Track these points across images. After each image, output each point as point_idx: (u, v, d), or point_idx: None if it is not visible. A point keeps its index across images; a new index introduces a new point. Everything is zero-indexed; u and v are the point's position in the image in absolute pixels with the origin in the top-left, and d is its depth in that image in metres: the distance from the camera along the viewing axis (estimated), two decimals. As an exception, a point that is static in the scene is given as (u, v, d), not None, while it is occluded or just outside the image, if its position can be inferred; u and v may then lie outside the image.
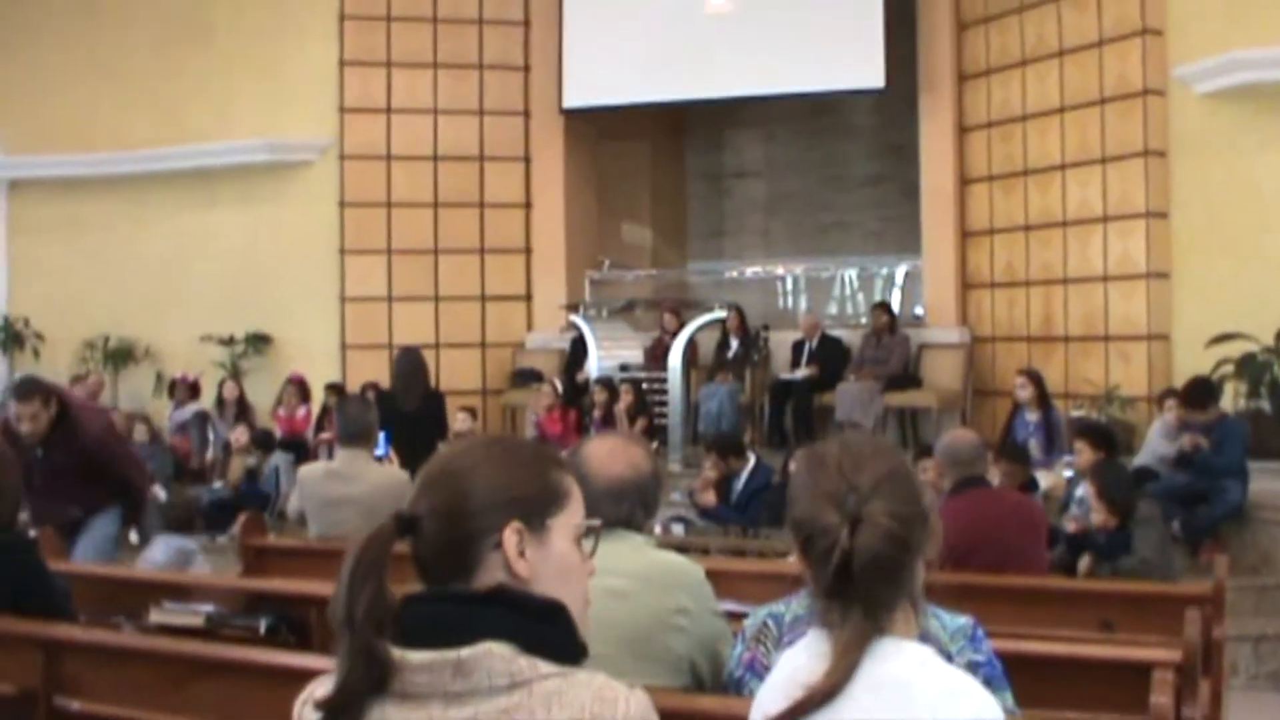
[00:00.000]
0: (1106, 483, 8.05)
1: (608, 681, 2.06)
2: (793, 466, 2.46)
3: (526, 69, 16.56)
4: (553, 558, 2.16)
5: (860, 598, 2.22)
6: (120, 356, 16.55)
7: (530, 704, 1.99)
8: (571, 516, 2.22)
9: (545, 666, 2.02)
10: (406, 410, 10.73)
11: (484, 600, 2.08)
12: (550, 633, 2.08)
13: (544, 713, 1.99)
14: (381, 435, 8.15)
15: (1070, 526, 8.43)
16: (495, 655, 2.01)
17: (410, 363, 11.38)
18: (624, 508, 3.72)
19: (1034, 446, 11.20)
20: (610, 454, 3.79)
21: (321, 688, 2.10)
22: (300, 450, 13.15)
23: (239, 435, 12.96)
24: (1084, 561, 8.07)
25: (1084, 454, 9.35)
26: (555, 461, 2.27)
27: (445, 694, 2.01)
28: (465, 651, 2.00)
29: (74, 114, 16.48)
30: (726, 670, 3.66)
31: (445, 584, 2.12)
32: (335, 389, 14.16)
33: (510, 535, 2.11)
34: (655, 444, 13.04)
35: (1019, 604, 5.62)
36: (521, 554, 2.12)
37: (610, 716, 2.01)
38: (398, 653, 2.03)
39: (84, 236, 16.63)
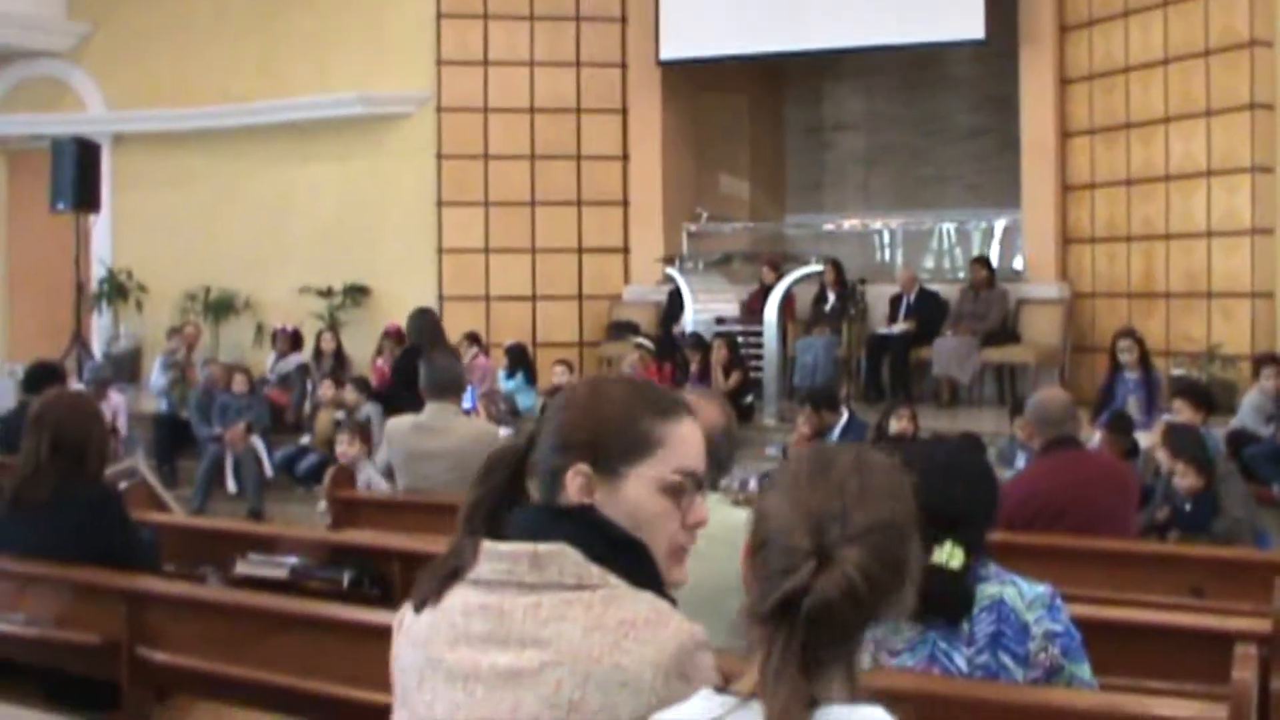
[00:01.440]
0: (1182, 443, 7.92)
1: (669, 607, 2.16)
2: (793, 456, 1.96)
3: (624, 20, 16.49)
4: (624, 503, 2.22)
5: (797, 645, 1.82)
6: (221, 308, 16.75)
7: (590, 599, 2.12)
8: (658, 466, 2.24)
9: (615, 579, 2.14)
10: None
11: (570, 514, 2.21)
12: (624, 562, 2.17)
13: (600, 608, 2.11)
14: (469, 390, 8.20)
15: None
16: (570, 556, 2.14)
17: (429, 320, 12.20)
18: None
19: (1133, 405, 11.05)
20: None
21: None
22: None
23: (326, 389, 13.00)
24: (1162, 512, 7.95)
25: (1183, 413, 9.24)
26: (655, 408, 2.28)
27: (519, 584, 2.15)
28: (543, 546, 2.15)
29: (174, 69, 16.66)
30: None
31: (542, 497, 2.28)
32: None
33: (573, 476, 2.23)
34: (750, 398, 13.00)
35: (1107, 567, 5.56)
36: (588, 494, 2.22)
37: (663, 624, 2.11)
38: (487, 543, 2.20)
39: (185, 190, 16.82)
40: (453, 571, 2.22)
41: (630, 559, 2.18)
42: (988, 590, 3.39)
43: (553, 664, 2.09)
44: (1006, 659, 3.41)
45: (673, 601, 2.19)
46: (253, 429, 12.74)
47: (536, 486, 2.31)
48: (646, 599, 2.14)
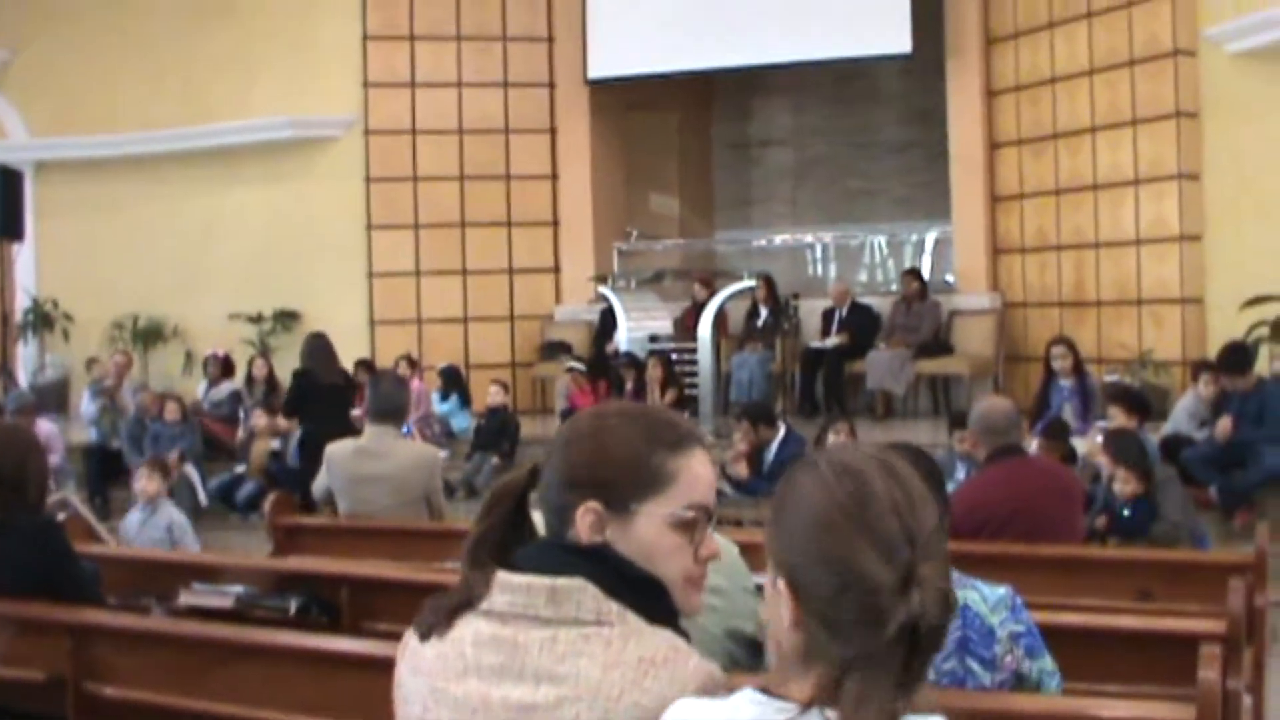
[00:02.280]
0: (1123, 450, 7.96)
1: (688, 646, 2.12)
2: (816, 481, 1.87)
3: (550, 40, 16.47)
4: (636, 540, 2.19)
5: (894, 667, 1.76)
6: (149, 336, 16.58)
7: (609, 636, 2.08)
8: (670, 503, 2.20)
9: (633, 616, 2.11)
10: (327, 384, 11.77)
11: (589, 552, 2.17)
12: (641, 599, 2.14)
13: (619, 644, 2.07)
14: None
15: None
16: (589, 592, 2.11)
17: (323, 343, 12.18)
18: None
19: (1069, 412, 11.12)
20: None
21: None
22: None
23: (259, 418, 12.89)
24: (1101, 520, 7.98)
25: (1117, 419, 9.30)
26: (665, 443, 2.22)
27: (535, 617, 2.12)
28: (562, 581, 2.12)
29: (98, 95, 16.49)
30: (764, 646, 3.63)
31: (553, 534, 2.24)
32: (365, 365, 14.11)
33: (583, 514, 2.19)
34: (686, 414, 12.97)
35: (1055, 573, 5.57)
36: (599, 531, 2.19)
37: (682, 663, 2.06)
38: (502, 574, 2.17)
39: (110, 217, 16.64)
40: (464, 601, 2.19)
41: (648, 596, 2.16)
42: (950, 596, 3.37)
43: (570, 700, 2.06)
44: (974, 664, 3.41)
45: (688, 637, 2.17)
46: (185, 457, 12.59)
47: (543, 520, 2.28)
48: (665, 636, 2.11)
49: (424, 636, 2.22)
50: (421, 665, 2.21)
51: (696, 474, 2.23)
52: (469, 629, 2.17)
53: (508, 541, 2.24)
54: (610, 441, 2.22)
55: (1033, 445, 9.06)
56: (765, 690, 1.88)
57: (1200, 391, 10.66)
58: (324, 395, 11.81)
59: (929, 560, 1.80)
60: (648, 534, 2.19)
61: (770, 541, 1.96)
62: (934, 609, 1.77)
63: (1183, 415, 10.70)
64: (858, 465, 1.90)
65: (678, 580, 2.21)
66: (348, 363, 14.15)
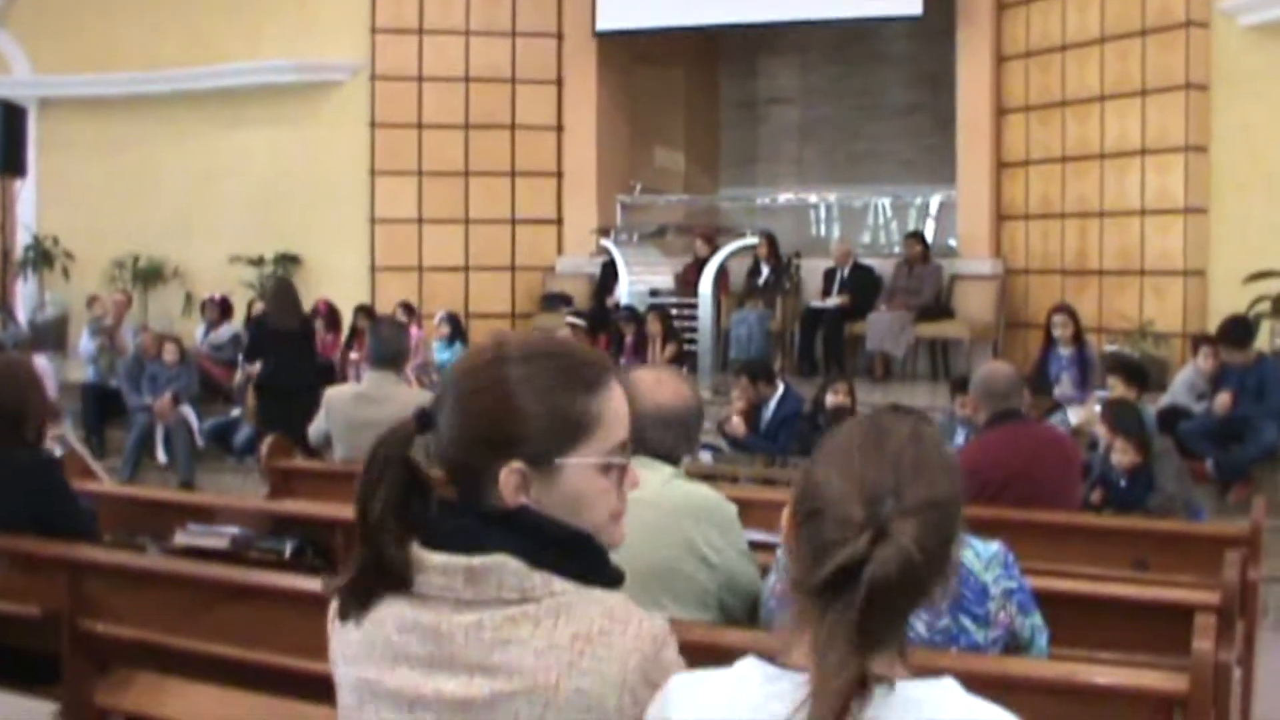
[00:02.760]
0: (1122, 420, 7.97)
1: (625, 602, 2.02)
2: (847, 425, 1.95)
3: (560, -10, 16.41)
4: (564, 493, 2.06)
5: (850, 621, 1.73)
6: (149, 276, 16.56)
7: (537, 614, 1.96)
8: (595, 447, 2.08)
9: (560, 584, 1.99)
10: (284, 329, 12.01)
11: (507, 519, 2.03)
12: (570, 560, 2.02)
13: (549, 622, 1.96)
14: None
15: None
16: (509, 568, 1.98)
17: (285, 287, 12.60)
18: (669, 436, 3.72)
19: (1067, 381, 11.13)
20: (658, 382, 3.81)
21: None
22: (329, 375, 13.07)
23: (254, 368, 12.89)
24: (1096, 494, 8.00)
25: (1117, 389, 9.30)
26: (583, 384, 2.09)
27: (456, 600, 1.99)
28: (478, 560, 1.98)
29: (103, 33, 16.41)
30: (760, 602, 3.64)
31: (465, 494, 2.08)
32: (365, 311, 14.10)
33: (507, 475, 2.03)
34: (684, 369, 12.97)
35: (1051, 540, 5.57)
36: (524, 492, 2.04)
37: (619, 633, 1.96)
38: (417, 552, 2.02)
39: (113, 156, 16.58)
40: (380, 582, 2.04)
41: (576, 556, 2.04)
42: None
43: (506, 695, 1.95)
44: (967, 621, 3.42)
45: (621, 579, 2.08)
46: (181, 399, 12.60)
47: (444, 477, 2.11)
48: (598, 603, 1.99)
49: (344, 618, 2.09)
50: (349, 652, 2.08)
51: (617, 411, 2.11)
52: (390, 612, 2.03)
53: (407, 502, 2.05)
54: (522, 392, 2.05)
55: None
56: (764, 657, 1.85)
57: (1199, 365, 10.64)
58: (279, 340, 12.02)
59: (910, 521, 1.78)
60: (576, 485, 2.06)
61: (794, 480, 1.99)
62: (890, 566, 1.74)
63: (1181, 387, 10.68)
64: (888, 421, 1.93)
65: (605, 522, 2.11)
66: (346, 308, 14.21)
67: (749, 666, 1.86)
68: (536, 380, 2.06)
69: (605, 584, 2.05)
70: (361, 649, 2.05)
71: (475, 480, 2.05)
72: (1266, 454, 9.89)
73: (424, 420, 2.08)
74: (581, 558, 2.05)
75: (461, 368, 2.13)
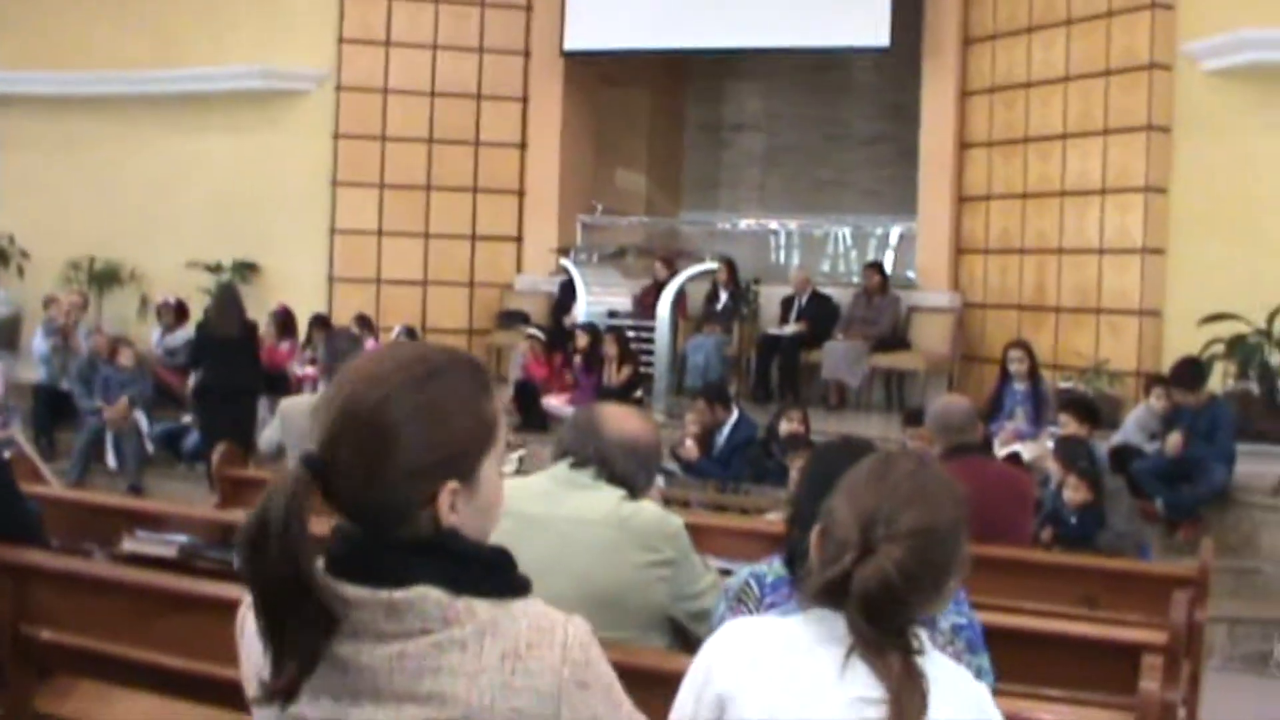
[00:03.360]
0: (1075, 458, 8.01)
1: (544, 610, 1.98)
2: (865, 461, 2.35)
3: (529, 8, 16.41)
4: (480, 500, 2.01)
5: (872, 622, 2.11)
6: (105, 278, 16.42)
7: (462, 638, 1.90)
8: (497, 445, 2.05)
9: (480, 606, 1.93)
10: (224, 336, 11.96)
11: (423, 550, 1.95)
12: (490, 580, 1.97)
13: (476, 645, 1.91)
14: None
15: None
16: (430, 599, 1.91)
17: (228, 293, 12.62)
18: (632, 464, 3.75)
19: (1021, 416, 11.18)
20: (626, 414, 3.94)
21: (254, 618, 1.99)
22: (281, 383, 13.02)
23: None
24: (1046, 532, 8.03)
25: (1069, 426, 9.34)
26: (485, 387, 2.06)
27: (377, 632, 1.90)
28: (399, 594, 1.90)
29: (69, 32, 16.30)
30: (709, 625, 3.63)
31: (371, 526, 1.96)
32: (320, 321, 14.04)
33: (445, 497, 1.96)
34: (639, 393, 12.96)
35: (1001, 575, 5.57)
36: (454, 509, 1.97)
37: (547, 644, 1.94)
38: (330, 582, 1.91)
39: (74, 156, 16.45)
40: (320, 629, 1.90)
41: (494, 573, 1.99)
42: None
43: None
44: (913, 655, 3.41)
45: (529, 586, 2.01)
46: (135, 403, 12.53)
47: (352, 505, 1.97)
48: (519, 615, 1.94)
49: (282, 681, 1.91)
50: (252, 662, 1.99)
51: (499, 407, 2.08)
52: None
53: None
54: (453, 409, 1.99)
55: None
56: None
57: (1152, 404, 10.72)
58: (218, 347, 11.97)
59: (897, 545, 2.10)
60: (489, 487, 2.04)
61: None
62: (870, 582, 2.08)
63: (1133, 426, 10.76)
64: (897, 459, 2.29)
65: (498, 515, 2.08)
66: (303, 318, 14.15)
67: (815, 614, 2.19)
68: (460, 391, 2.02)
69: (518, 594, 2.00)
70: (249, 672, 1.99)
71: (395, 513, 1.96)
72: (1216, 495, 9.97)
73: (317, 466, 1.92)
74: (499, 574, 2.00)
75: (363, 402, 1.95)
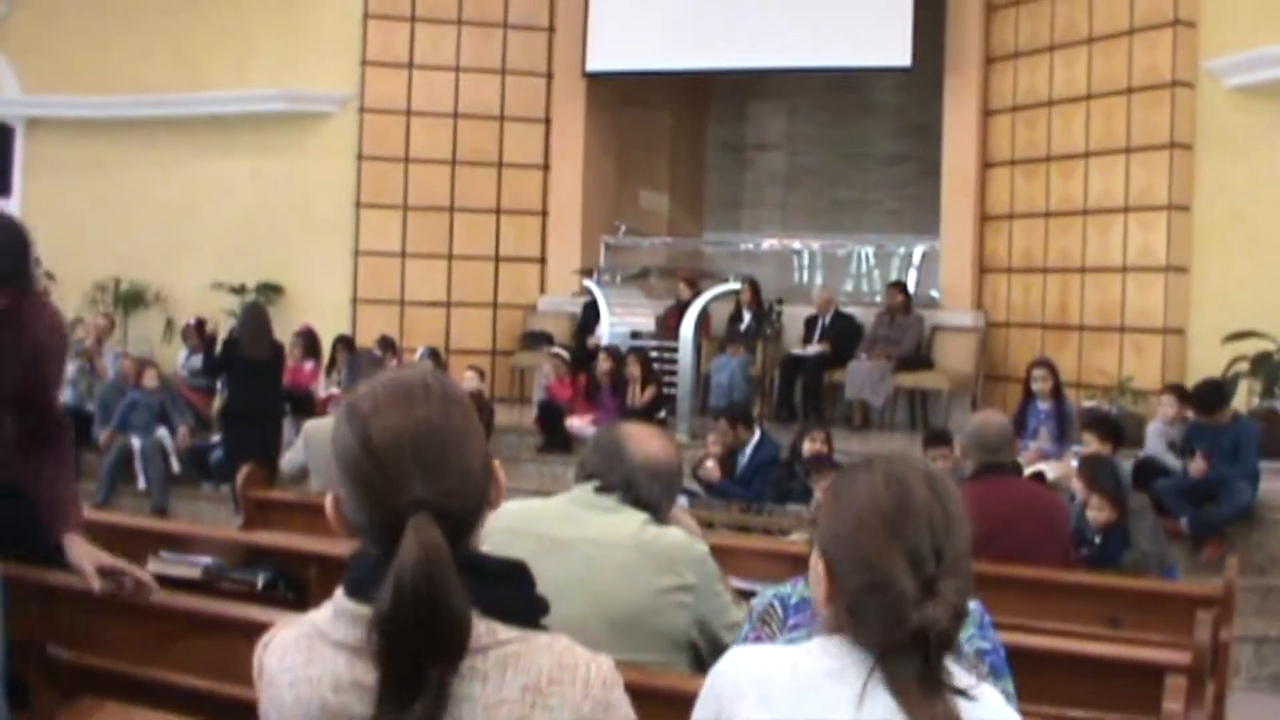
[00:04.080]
0: (1099, 477, 7.96)
1: (570, 646, 1.96)
2: (864, 486, 2.13)
3: (551, 30, 16.46)
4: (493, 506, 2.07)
5: (916, 669, 1.98)
6: (131, 300, 16.51)
7: (484, 668, 1.89)
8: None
9: (504, 631, 1.92)
10: (254, 358, 11.95)
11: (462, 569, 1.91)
12: (509, 594, 1.97)
13: (498, 676, 1.89)
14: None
15: None
16: None
17: (257, 313, 12.54)
18: (655, 487, 3.72)
19: (1044, 435, 11.15)
20: (649, 435, 3.86)
21: (281, 631, 2.04)
22: (305, 404, 13.05)
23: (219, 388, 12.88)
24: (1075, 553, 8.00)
25: (1091, 445, 9.30)
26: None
27: None
28: None
29: (93, 55, 16.41)
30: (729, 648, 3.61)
31: (466, 537, 1.98)
32: (344, 343, 14.08)
33: (496, 479, 2.04)
34: (663, 414, 12.95)
35: (1025, 595, 5.56)
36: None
37: (569, 681, 1.91)
38: (346, 604, 1.94)
39: (99, 179, 16.56)
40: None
41: (514, 592, 1.99)
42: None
43: None
44: (938, 678, 3.40)
45: (547, 608, 2.01)
46: (176, 425, 12.64)
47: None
48: (544, 649, 1.93)
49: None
50: (283, 714, 1.99)
51: None
52: (324, 669, 1.94)
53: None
54: (474, 415, 2.05)
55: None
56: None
57: (1165, 412, 10.71)
58: (246, 367, 11.99)
59: (951, 577, 1.99)
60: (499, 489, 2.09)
61: (820, 524, 2.15)
62: (945, 620, 1.96)
63: (1154, 439, 10.71)
64: (907, 476, 2.09)
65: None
66: (327, 340, 14.19)
67: (819, 646, 2.08)
68: (464, 400, 2.06)
69: (537, 613, 2.00)
70: (296, 710, 1.96)
71: (477, 515, 2.01)
72: (1241, 513, 9.92)
73: (439, 515, 1.91)
74: (518, 590, 2.00)
75: (428, 433, 1.97)
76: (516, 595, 1.98)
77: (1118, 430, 9.79)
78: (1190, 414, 10.47)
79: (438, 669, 1.85)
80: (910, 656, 1.97)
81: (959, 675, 2.03)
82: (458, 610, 1.85)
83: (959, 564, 2.01)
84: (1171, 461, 10.42)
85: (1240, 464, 9.98)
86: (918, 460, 2.16)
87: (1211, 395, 10.34)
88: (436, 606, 1.84)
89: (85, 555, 4.21)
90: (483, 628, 1.90)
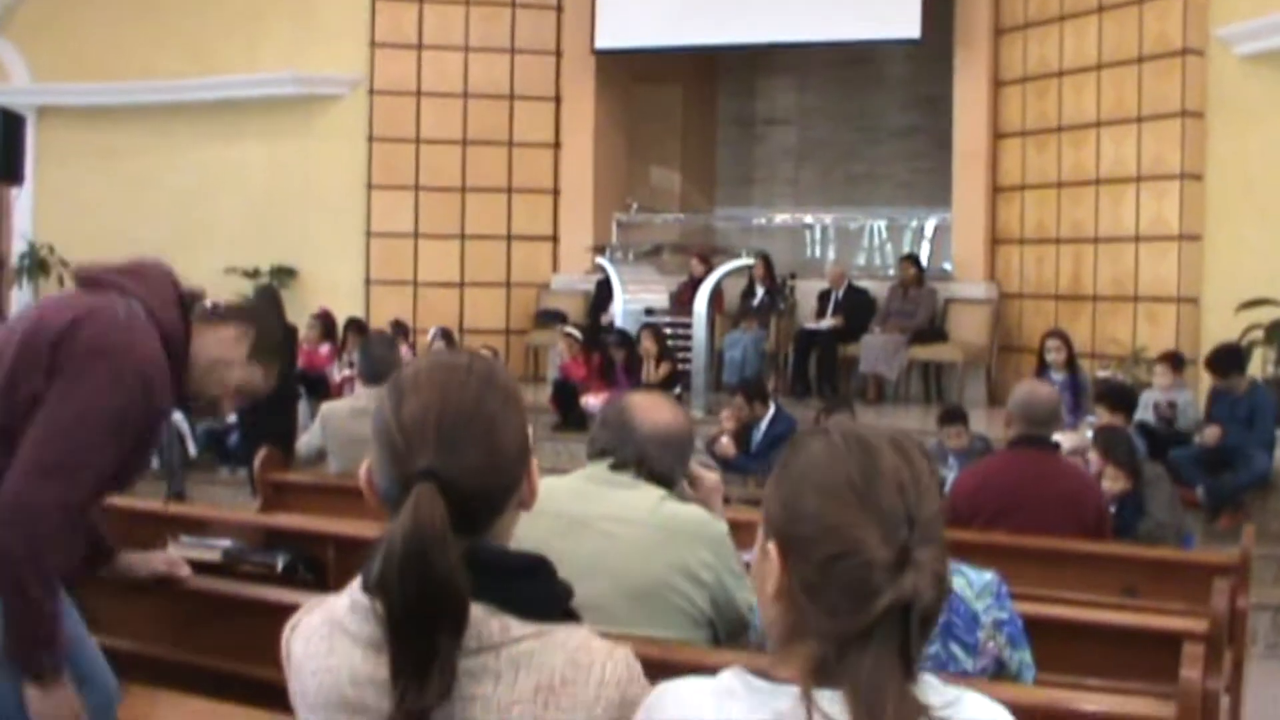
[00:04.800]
0: (1114, 448, 7.94)
1: (586, 641, 1.93)
2: (823, 449, 1.81)
3: (559, 8, 16.45)
4: (516, 509, 2.04)
5: (894, 648, 1.70)
6: (145, 286, 16.49)
7: (496, 667, 1.87)
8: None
9: (518, 627, 1.89)
10: None
11: (474, 566, 1.88)
12: (526, 588, 1.94)
13: (510, 676, 1.87)
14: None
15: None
16: (471, 618, 1.87)
17: (270, 297, 12.76)
18: (667, 457, 3.70)
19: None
20: (655, 404, 3.80)
21: (306, 616, 2.04)
22: (320, 386, 13.08)
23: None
24: None
25: (1103, 416, 9.30)
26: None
27: None
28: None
29: (103, 42, 16.41)
30: (750, 626, 3.63)
31: (484, 526, 1.96)
32: (356, 325, 14.09)
33: (527, 483, 2.03)
34: (678, 389, 12.96)
35: (1042, 565, 5.57)
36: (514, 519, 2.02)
37: (583, 681, 1.89)
38: (365, 600, 1.92)
39: (111, 165, 16.58)
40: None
41: (534, 587, 1.96)
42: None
43: None
44: (956, 648, 3.42)
45: (571, 594, 2.00)
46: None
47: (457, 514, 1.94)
48: (559, 646, 1.90)
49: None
50: (306, 700, 1.99)
51: None
52: (344, 661, 1.93)
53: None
54: (515, 392, 2.05)
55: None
56: (752, 670, 1.78)
57: (1157, 382, 10.71)
58: None
59: (927, 544, 1.73)
60: (535, 477, 2.08)
61: (768, 502, 1.88)
62: (927, 592, 1.71)
63: (1143, 408, 10.59)
64: (870, 439, 1.83)
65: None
66: (340, 321, 14.21)
67: (733, 678, 1.79)
68: (505, 377, 2.06)
69: (558, 608, 1.98)
70: (318, 699, 1.96)
71: (494, 510, 1.99)
72: (1257, 481, 9.93)
73: (444, 484, 1.90)
74: (539, 585, 1.98)
75: (461, 406, 1.97)
76: (534, 589, 1.95)
77: (1128, 400, 9.78)
78: (1176, 377, 10.55)
79: (442, 642, 1.84)
80: (882, 643, 1.69)
81: (935, 687, 1.76)
82: (447, 578, 1.83)
83: (932, 528, 1.75)
84: (1152, 422, 10.37)
85: (1257, 432, 9.98)
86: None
87: (1226, 358, 10.32)
88: (427, 573, 1.82)
89: (141, 561, 4.34)
90: (495, 624, 1.88)
